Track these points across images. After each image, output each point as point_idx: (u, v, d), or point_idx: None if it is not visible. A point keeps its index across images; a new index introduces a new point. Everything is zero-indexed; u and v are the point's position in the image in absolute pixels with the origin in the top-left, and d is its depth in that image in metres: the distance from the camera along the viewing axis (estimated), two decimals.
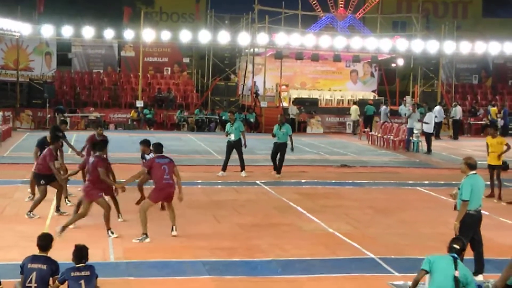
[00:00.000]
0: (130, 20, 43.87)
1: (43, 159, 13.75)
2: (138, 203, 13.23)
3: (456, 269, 7.23)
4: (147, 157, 13.93)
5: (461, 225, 9.87)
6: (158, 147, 12.77)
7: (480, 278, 9.22)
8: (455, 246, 7.52)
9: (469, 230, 9.91)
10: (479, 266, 9.96)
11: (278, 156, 20.21)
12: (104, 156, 12.90)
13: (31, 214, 13.57)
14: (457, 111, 35.84)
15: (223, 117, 34.42)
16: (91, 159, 12.53)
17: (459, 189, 10.07)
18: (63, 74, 40.99)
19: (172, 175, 12.35)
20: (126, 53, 42.31)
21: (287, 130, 20.25)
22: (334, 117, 38.58)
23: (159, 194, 12.34)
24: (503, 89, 45.41)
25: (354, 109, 36.48)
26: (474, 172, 10.12)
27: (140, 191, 13.74)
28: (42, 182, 13.75)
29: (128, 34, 37.33)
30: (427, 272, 7.50)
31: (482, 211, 10.04)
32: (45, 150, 13.92)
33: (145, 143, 14.25)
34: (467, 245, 9.77)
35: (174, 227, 12.41)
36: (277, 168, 20.17)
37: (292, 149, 20.18)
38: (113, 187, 12.74)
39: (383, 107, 34.65)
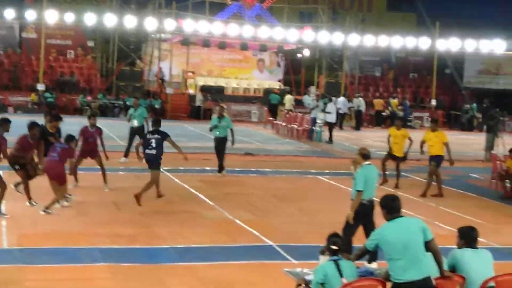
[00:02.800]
0: (33, 1, 42.47)
1: None
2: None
3: (341, 275, 7.03)
4: None
5: (354, 215, 10.09)
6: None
7: (374, 265, 9.40)
8: (333, 247, 7.38)
9: (359, 219, 10.15)
10: (372, 254, 10.18)
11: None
12: None
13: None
14: (360, 103, 36.64)
15: (128, 103, 33.90)
16: None
17: (353, 179, 10.28)
18: None
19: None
20: (27, 34, 41.06)
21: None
22: (240, 105, 38.69)
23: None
24: (405, 81, 46.80)
25: (288, 98, 36.48)
26: (368, 162, 10.33)
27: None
28: None
29: (30, 15, 36.16)
30: (322, 284, 7.11)
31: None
32: None
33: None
34: (354, 234, 10.01)
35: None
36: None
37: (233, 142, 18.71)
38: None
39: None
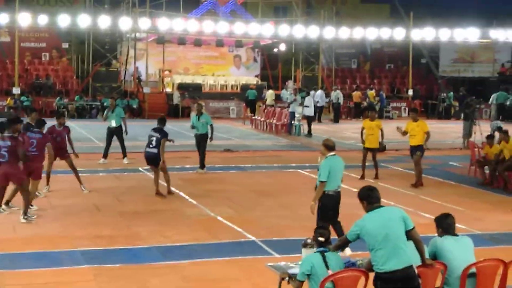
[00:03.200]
0: (4, 4, 42.05)
1: None
2: None
3: (327, 267, 7.03)
4: None
5: (321, 206, 10.18)
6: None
7: (348, 252, 9.43)
8: (320, 239, 7.33)
9: (328, 211, 10.28)
10: None
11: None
12: None
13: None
14: (339, 95, 36.70)
15: (105, 104, 33.69)
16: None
17: (318, 169, 10.36)
18: None
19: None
20: (1, 38, 40.66)
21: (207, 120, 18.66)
22: (218, 102, 38.62)
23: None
24: (381, 73, 46.96)
25: (270, 93, 36.39)
26: (333, 153, 10.38)
27: None
28: None
29: (3, 18, 35.75)
30: (308, 276, 7.11)
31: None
32: None
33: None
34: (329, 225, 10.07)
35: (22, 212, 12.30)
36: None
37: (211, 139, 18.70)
38: None
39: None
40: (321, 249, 7.25)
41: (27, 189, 12.42)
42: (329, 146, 10.41)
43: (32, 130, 13.31)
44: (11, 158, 12.05)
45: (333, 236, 9.34)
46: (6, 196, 12.92)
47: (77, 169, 15.50)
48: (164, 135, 14.92)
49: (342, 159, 10.65)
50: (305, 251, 7.50)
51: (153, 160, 14.90)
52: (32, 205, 12.95)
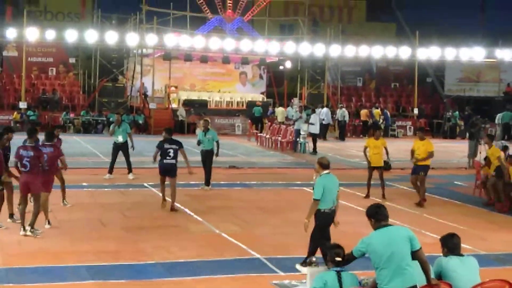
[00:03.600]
0: (13, 19, 42.37)
1: None
2: None
3: (341, 286, 7.05)
4: None
5: (318, 224, 10.29)
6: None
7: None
8: (337, 259, 7.34)
9: (325, 227, 10.43)
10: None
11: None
12: None
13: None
14: (344, 113, 36.77)
15: (111, 119, 33.80)
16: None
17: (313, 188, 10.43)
18: None
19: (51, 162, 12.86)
20: (8, 52, 40.94)
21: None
22: (224, 119, 38.72)
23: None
24: (386, 91, 47.04)
25: (281, 111, 36.40)
26: (327, 171, 10.41)
27: None
28: None
29: (11, 33, 36.01)
30: None
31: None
32: None
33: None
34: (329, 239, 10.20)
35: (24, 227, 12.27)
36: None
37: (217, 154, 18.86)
38: None
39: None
40: (338, 268, 7.23)
41: (39, 201, 12.43)
42: (323, 164, 10.46)
43: (43, 144, 13.32)
44: (32, 168, 12.21)
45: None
46: (11, 209, 13.03)
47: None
48: (181, 145, 15.33)
49: (336, 177, 10.68)
50: (310, 270, 7.51)
51: (170, 171, 15.16)
52: (50, 222, 13.05)
